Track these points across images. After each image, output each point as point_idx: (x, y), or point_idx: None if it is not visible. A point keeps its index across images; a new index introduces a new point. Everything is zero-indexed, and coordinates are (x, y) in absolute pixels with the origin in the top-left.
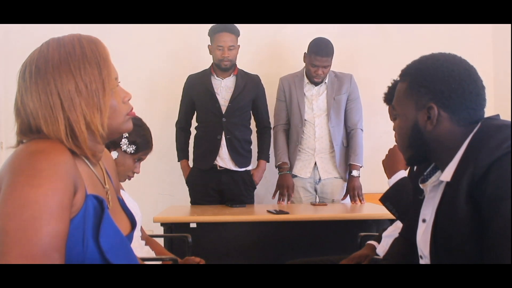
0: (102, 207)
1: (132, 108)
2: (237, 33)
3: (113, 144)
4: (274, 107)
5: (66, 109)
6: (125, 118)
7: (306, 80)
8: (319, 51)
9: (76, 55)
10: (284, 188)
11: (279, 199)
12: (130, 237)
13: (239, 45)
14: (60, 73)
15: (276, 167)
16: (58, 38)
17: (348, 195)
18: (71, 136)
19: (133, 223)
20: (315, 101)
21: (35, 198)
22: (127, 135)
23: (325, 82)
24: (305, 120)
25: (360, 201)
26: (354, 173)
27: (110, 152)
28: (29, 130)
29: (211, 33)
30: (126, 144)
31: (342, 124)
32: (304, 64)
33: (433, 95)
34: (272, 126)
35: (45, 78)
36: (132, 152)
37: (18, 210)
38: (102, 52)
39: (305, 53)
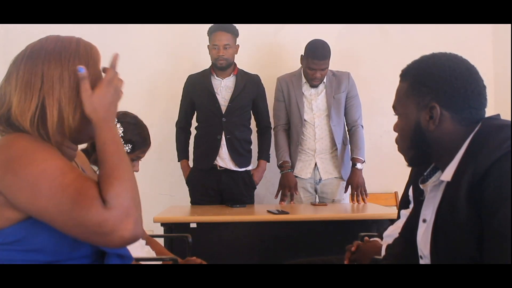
0: None
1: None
2: (234, 32)
3: None
4: (272, 107)
5: (45, 91)
6: None
7: (304, 80)
8: (316, 55)
9: (70, 49)
10: (286, 188)
11: (281, 199)
12: None
13: (238, 45)
14: (49, 59)
15: (278, 166)
16: (58, 35)
17: (350, 192)
18: (38, 118)
19: None
20: (314, 101)
21: (39, 169)
22: (122, 134)
23: (324, 82)
24: (304, 120)
25: (363, 200)
26: (358, 165)
27: None
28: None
29: (209, 33)
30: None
31: (343, 122)
32: (300, 65)
33: (435, 94)
34: (272, 126)
35: (34, 60)
36: (128, 151)
37: (36, 188)
38: (94, 55)
39: (301, 55)
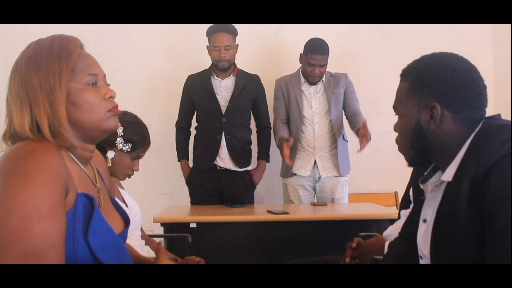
0: (92, 205)
1: (116, 106)
2: (234, 33)
3: (109, 143)
4: (272, 107)
5: (31, 100)
6: (106, 115)
7: (303, 80)
8: (315, 50)
9: (45, 50)
10: (279, 147)
11: (286, 159)
12: (123, 235)
13: (237, 45)
14: (28, 67)
15: (277, 146)
16: (40, 38)
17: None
18: (36, 128)
19: (126, 222)
20: (313, 99)
21: (24, 199)
22: (122, 133)
23: (322, 81)
24: (304, 117)
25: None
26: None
27: (107, 152)
28: (7, 130)
29: (208, 34)
30: (121, 142)
31: (341, 117)
32: (299, 66)
33: (436, 94)
34: (271, 125)
35: (19, 72)
36: (128, 150)
37: (7, 214)
38: (70, 46)
39: (301, 54)
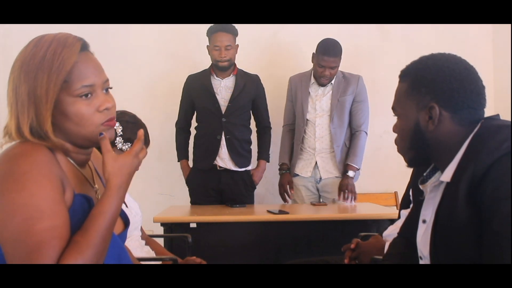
0: (90, 206)
1: (111, 118)
2: (234, 33)
3: None
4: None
5: (19, 109)
6: (98, 128)
7: (312, 80)
8: (326, 52)
9: (38, 57)
10: (281, 187)
11: (283, 199)
12: (122, 235)
13: (237, 45)
14: (20, 73)
15: (279, 171)
16: (42, 36)
17: (341, 194)
18: (22, 133)
19: (126, 222)
20: (318, 101)
21: (22, 201)
22: (121, 133)
23: (332, 83)
24: (307, 119)
25: (353, 198)
26: (350, 173)
27: None
28: (5, 127)
29: (208, 34)
30: (121, 142)
31: (346, 125)
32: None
33: (434, 95)
34: (272, 126)
35: (13, 76)
36: (128, 149)
37: (9, 217)
38: (64, 56)
39: (313, 53)
